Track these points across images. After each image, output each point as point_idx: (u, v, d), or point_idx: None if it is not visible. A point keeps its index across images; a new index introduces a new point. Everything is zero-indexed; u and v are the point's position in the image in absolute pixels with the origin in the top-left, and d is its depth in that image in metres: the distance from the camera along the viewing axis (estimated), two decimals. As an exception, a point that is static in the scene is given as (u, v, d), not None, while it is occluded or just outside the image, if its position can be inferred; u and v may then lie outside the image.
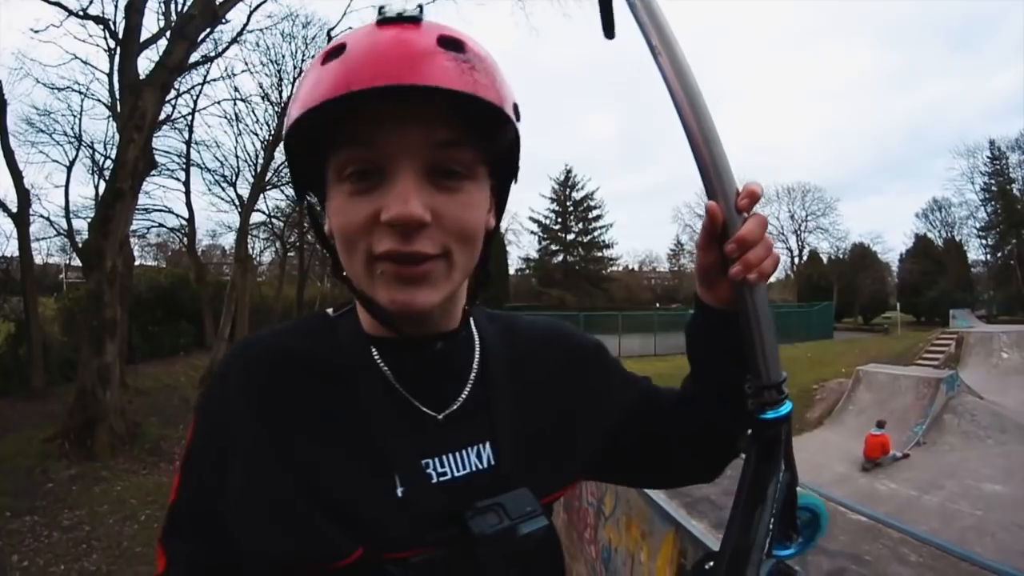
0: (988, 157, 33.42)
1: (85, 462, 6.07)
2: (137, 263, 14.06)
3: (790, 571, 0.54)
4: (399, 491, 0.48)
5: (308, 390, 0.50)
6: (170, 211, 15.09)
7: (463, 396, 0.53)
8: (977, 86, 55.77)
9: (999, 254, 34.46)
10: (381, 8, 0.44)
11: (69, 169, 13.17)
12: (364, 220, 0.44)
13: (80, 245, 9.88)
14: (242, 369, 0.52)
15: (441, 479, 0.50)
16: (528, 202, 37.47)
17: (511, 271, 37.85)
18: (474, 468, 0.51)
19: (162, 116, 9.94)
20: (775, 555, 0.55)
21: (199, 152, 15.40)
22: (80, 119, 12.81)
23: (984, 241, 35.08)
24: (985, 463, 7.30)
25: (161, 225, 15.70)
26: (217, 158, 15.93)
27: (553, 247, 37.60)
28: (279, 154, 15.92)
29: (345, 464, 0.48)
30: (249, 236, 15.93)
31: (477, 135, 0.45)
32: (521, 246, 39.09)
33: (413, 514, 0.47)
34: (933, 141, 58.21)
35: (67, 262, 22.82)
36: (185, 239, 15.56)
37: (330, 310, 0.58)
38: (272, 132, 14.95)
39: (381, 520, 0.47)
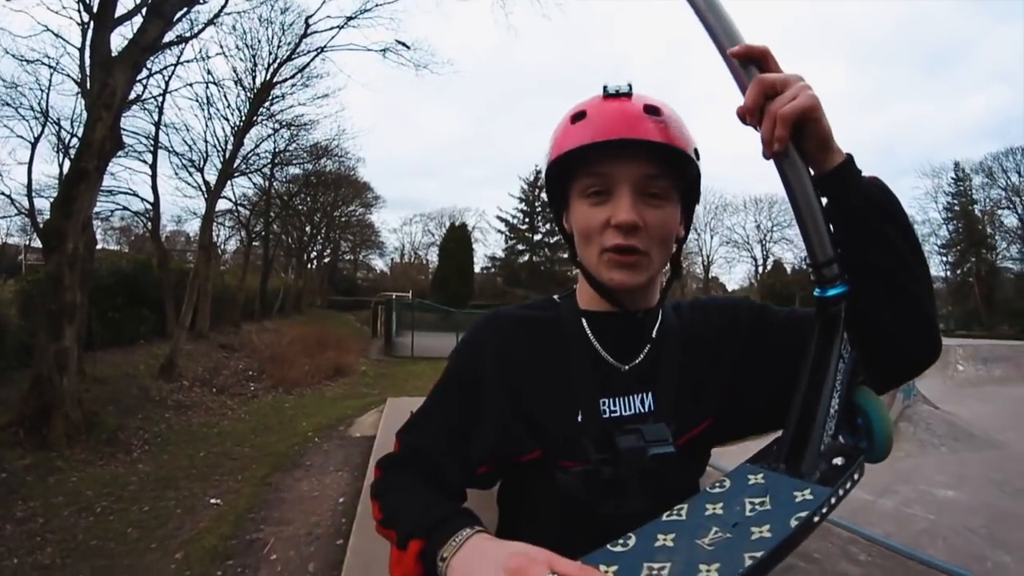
0: (952, 178, 35.11)
1: (40, 451, 5.83)
2: (99, 247, 13.46)
3: (853, 451, 0.58)
4: (579, 418, 0.69)
5: (531, 345, 0.74)
6: (135, 194, 14.43)
7: (642, 355, 0.73)
8: (947, 109, 58.59)
9: (958, 271, 36.12)
10: (605, 87, 0.68)
11: (34, 146, 12.58)
12: (599, 223, 0.68)
13: (41, 225, 9.44)
14: (492, 328, 0.77)
15: (612, 415, 0.70)
16: (497, 201, 37.45)
17: (476, 269, 37.99)
18: (637, 411, 0.70)
19: (132, 96, 9.59)
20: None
21: (168, 135, 14.85)
22: (48, 94, 12.23)
23: (945, 258, 36.71)
24: (939, 470, 7.56)
25: (125, 208, 15.01)
26: (186, 142, 15.30)
27: (520, 247, 37.85)
28: (249, 140, 15.60)
29: (545, 395, 0.71)
30: (214, 223, 15.52)
31: (671, 170, 0.67)
32: (488, 244, 39.09)
33: (583, 436, 0.67)
34: (900, 160, 60.60)
35: (27, 243, 21.89)
36: (149, 224, 14.95)
37: (556, 296, 0.81)
38: (243, 118, 14.52)
39: (560, 437, 0.69)
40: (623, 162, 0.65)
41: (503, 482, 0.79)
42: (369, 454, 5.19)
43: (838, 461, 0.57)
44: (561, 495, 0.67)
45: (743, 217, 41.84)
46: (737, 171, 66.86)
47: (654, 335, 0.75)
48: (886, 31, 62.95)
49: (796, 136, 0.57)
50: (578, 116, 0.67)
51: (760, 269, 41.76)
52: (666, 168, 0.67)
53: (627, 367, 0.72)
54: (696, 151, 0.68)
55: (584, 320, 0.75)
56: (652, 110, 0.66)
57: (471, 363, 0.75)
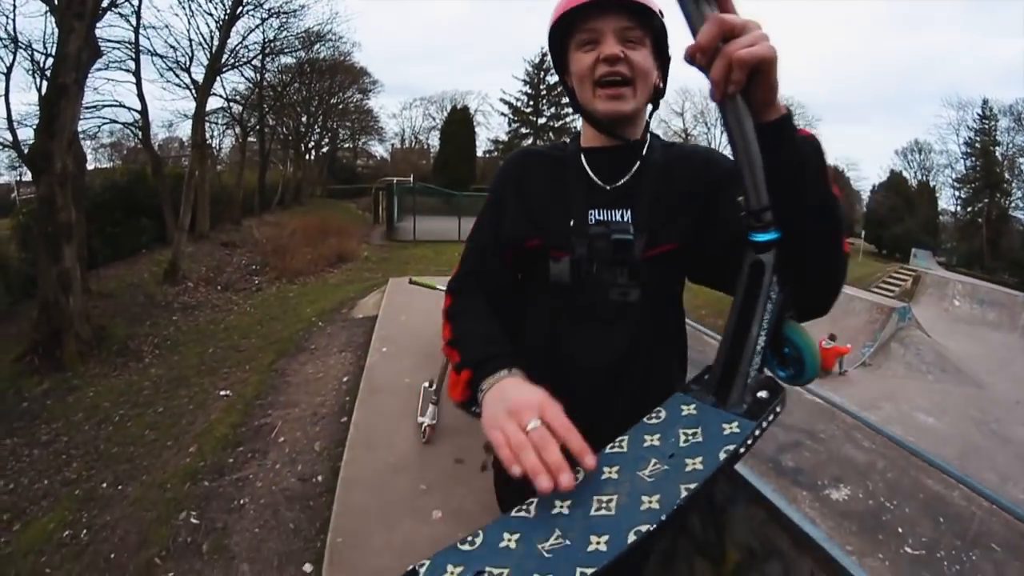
0: (979, 114, 33.27)
1: (56, 374, 6.01)
2: (91, 166, 13.18)
3: (776, 386, 0.62)
4: (571, 222, 0.88)
5: (542, 171, 0.95)
6: (121, 105, 13.63)
7: (624, 179, 0.90)
8: (984, 45, 54.60)
9: (969, 209, 35.26)
10: None
11: (7, 76, 11.86)
12: (591, 62, 0.84)
13: (27, 151, 9.18)
14: (517, 158, 1.00)
15: (597, 220, 0.87)
16: (500, 84, 35.66)
17: (479, 152, 37.03)
18: (617, 221, 0.87)
19: (105, 2, 8.98)
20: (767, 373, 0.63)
21: (148, 38, 13.94)
22: (14, 19, 11.39)
23: (957, 193, 35.65)
24: (922, 395, 7.80)
25: (113, 121, 14.23)
26: (168, 43, 14.55)
27: (523, 130, 36.45)
28: (235, 33, 14.62)
29: (546, 204, 0.91)
30: (207, 123, 14.76)
31: (643, 24, 0.84)
32: (491, 128, 37.57)
33: (573, 234, 0.87)
34: (927, 86, 57.31)
35: (18, 179, 21.39)
36: (140, 133, 14.43)
37: (566, 139, 0.99)
38: (227, 10, 13.61)
39: (556, 232, 0.88)
40: (606, 17, 0.83)
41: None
42: (371, 333, 5.14)
43: (763, 395, 0.61)
44: (553, 279, 0.88)
45: None
46: None
47: (637, 165, 0.90)
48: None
49: (746, 83, 0.56)
50: None
51: None
52: (639, 21, 0.83)
53: (610, 187, 0.90)
54: (660, 11, 0.85)
55: (582, 153, 0.94)
56: None
57: (500, 183, 0.98)
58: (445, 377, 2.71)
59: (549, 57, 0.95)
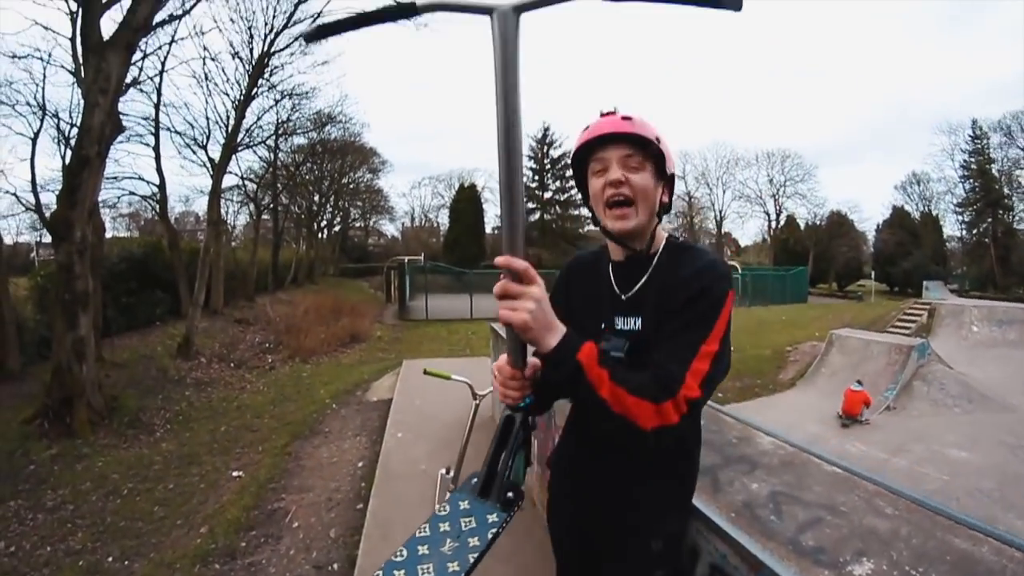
0: (970, 136, 33.87)
1: (65, 440, 5.97)
2: (109, 235, 13.56)
3: (519, 490, 0.95)
4: (602, 325, 1.09)
5: (584, 276, 1.19)
6: (140, 178, 14.20)
7: (635, 289, 1.08)
8: (966, 67, 56.13)
9: (974, 231, 35.22)
10: (601, 110, 1.08)
11: (34, 141, 12.37)
12: (602, 186, 1.05)
13: (49, 217, 9.47)
14: (568, 264, 1.26)
15: (620, 327, 1.07)
16: None
17: (488, 229, 37.74)
18: (632, 327, 1.05)
19: (128, 79, 9.42)
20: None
21: (168, 115, 14.73)
22: (43, 87, 11.90)
23: (960, 217, 35.83)
24: (951, 430, 7.52)
25: (132, 193, 14.76)
26: (187, 120, 15.35)
27: (530, 205, 37.37)
28: (251, 113, 15.30)
29: (585, 308, 1.13)
30: (222, 199, 15.33)
31: (642, 152, 1.04)
32: (498, 204, 38.32)
33: (606, 333, 1.07)
34: (916, 117, 58.78)
35: (38, 240, 22.02)
36: (157, 206, 14.91)
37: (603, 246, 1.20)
38: (243, 91, 14.26)
39: (592, 330, 1.04)
40: (611, 148, 1.04)
41: None
42: (386, 417, 5.19)
43: (511, 495, 0.93)
44: None
45: (755, 171, 41.12)
46: (748, 124, 65.31)
47: (646, 276, 1.07)
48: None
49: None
50: (586, 128, 1.08)
51: (773, 224, 40.90)
52: (638, 150, 1.03)
53: (625, 297, 1.09)
54: (658, 138, 1.04)
55: (610, 265, 1.15)
56: (626, 118, 1.04)
57: (555, 287, 1.22)
58: (462, 464, 2.65)
59: (568, 161, 1.21)
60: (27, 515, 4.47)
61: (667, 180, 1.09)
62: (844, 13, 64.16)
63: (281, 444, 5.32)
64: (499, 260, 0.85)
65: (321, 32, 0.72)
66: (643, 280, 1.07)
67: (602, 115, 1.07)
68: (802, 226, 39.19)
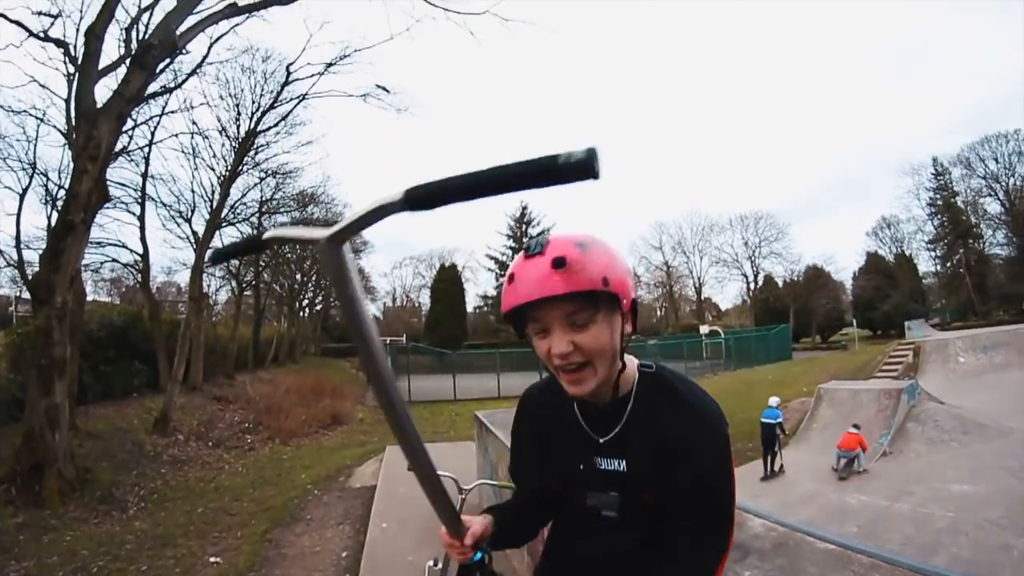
0: (932, 173, 35.66)
1: (33, 509, 5.66)
2: (90, 299, 13.28)
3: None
4: (581, 467, 0.99)
5: (547, 411, 1.07)
6: (124, 246, 14.25)
7: (614, 432, 0.96)
8: (918, 107, 59.86)
9: (948, 264, 36.42)
10: (527, 248, 0.85)
11: (21, 197, 12.39)
12: (546, 351, 0.88)
13: (30, 277, 9.33)
14: (524, 398, 1.15)
15: (601, 468, 0.97)
16: (485, 240, 37.21)
17: (469, 308, 37.93)
18: (616, 468, 0.96)
19: (118, 147, 9.61)
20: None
21: (155, 186, 14.79)
22: (35, 145, 12.16)
23: (933, 253, 37.12)
24: (952, 465, 7.47)
25: (115, 260, 14.79)
26: (173, 192, 15.38)
27: None
28: (235, 190, 15.60)
29: (560, 452, 1.03)
30: (204, 274, 15.36)
31: (588, 302, 0.83)
32: (479, 283, 39.00)
33: (587, 480, 0.98)
34: (880, 162, 61.67)
35: (17, 295, 21.57)
36: (139, 275, 14.83)
37: None
38: (229, 167, 14.60)
39: (570, 476, 1.01)
40: (548, 309, 0.84)
41: None
42: (370, 505, 5.07)
43: None
44: (570, 511, 1.06)
45: (730, 236, 42.41)
46: (720, 190, 68.07)
47: (624, 419, 0.96)
48: (855, 33, 64.75)
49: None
50: (511, 278, 0.86)
51: (752, 285, 41.90)
52: (583, 303, 0.83)
53: (603, 440, 0.97)
54: (605, 279, 0.82)
55: (576, 406, 1.02)
56: (559, 263, 0.80)
57: (518, 425, 1.16)
58: (451, 558, 2.53)
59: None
60: (-12, 585, 4.18)
61: (627, 313, 0.90)
62: (801, 68, 68.56)
63: (261, 530, 5.13)
64: (444, 543, 1.00)
65: (219, 257, 0.77)
66: (621, 424, 0.95)
67: (526, 256, 0.84)
68: (780, 284, 40.34)
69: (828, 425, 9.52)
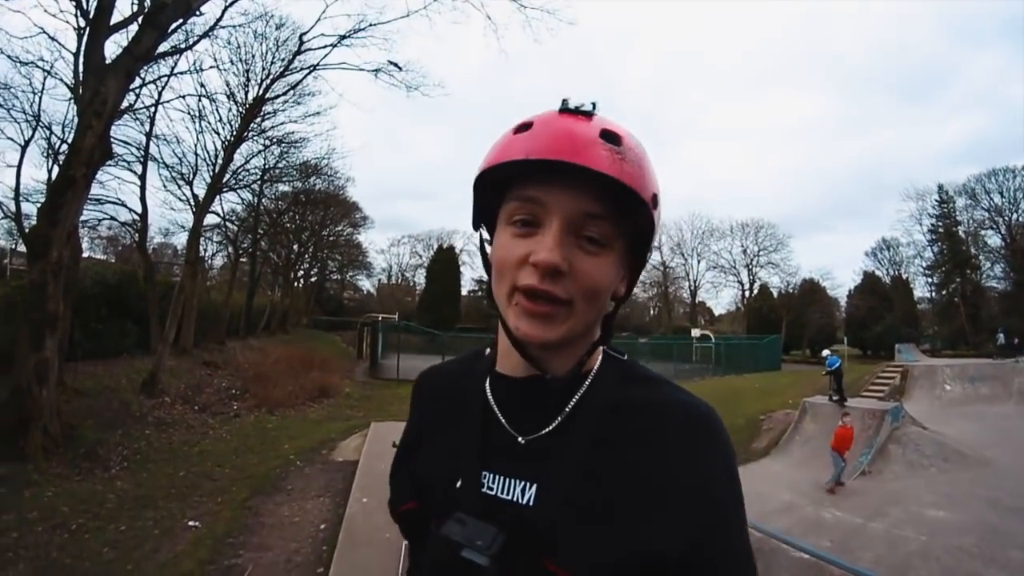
0: (936, 200, 35.65)
1: (15, 463, 5.68)
2: (85, 255, 13.28)
3: None
4: (458, 483, 0.60)
5: (440, 401, 0.71)
6: (123, 204, 14.27)
7: (548, 429, 0.59)
8: (927, 133, 60.01)
9: (943, 292, 36.55)
10: (565, 101, 0.58)
11: (23, 149, 12.38)
12: (517, 258, 0.55)
13: (27, 231, 9.28)
14: (416, 387, 0.77)
15: (488, 491, 0.59)
16: None
17: (463, 292, 37.88)
18: (514, 499, 0.57)
19: (124, 104, 9.51)
20: None
21: (158, 146, 14.71)
22: (40, 98, 12.05)
23: (930, 279, 37.21)
24: (929, 490, 7.56)
25: (113, 218, 14.84)
26: (176, 154, 15.25)
27: None
28: (239, 155, 15.56)
29: (435, 454, 0.66)
30: (202, 238, 15.46)
31: (619, 213, 0.55)
32: (475, 268, 38.88)
33: (458, 501, 0.58)
34: (883, 184, 61.85)
35: (13, 247, 21.46)
36: (137, 235, 14.80)
37: (488, 349, 0.71)
38: (234, 133, 14.51)
39: (438, 496, 0.62)
40: (561, 190, 0.54)
41: None
42: (352, 479, 5.12)
43: None
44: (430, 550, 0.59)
45: (729, 242, 42.33)
46: (722, 196, 68.18)
47: (570, 408, 0.59)
48: (866, 59, 64.79)
49: None
50: (524, 127, 0.56)
51: (747, 293, 41.92)
52: (613, 209, 0.54)
53: (523, 440, 0.59)
54: (655, 196, 0.56)
55: (488, 381, 0.65)
56: (610, 136, 0.54)
57: (409, 423, 0.76)
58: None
59: (473, 198, 0.64)
60: (-34, 536, 4.18)
61: (634, 266, 0.62)
62: (808, 85, 68.60)
63: (241, 497, 5.17)
64: None
65: None
66: (558, 420, 0.59)
67: (563, 111, 0.57)
68: (775, 294, 40.30)
69: (810, 439, 9.58)
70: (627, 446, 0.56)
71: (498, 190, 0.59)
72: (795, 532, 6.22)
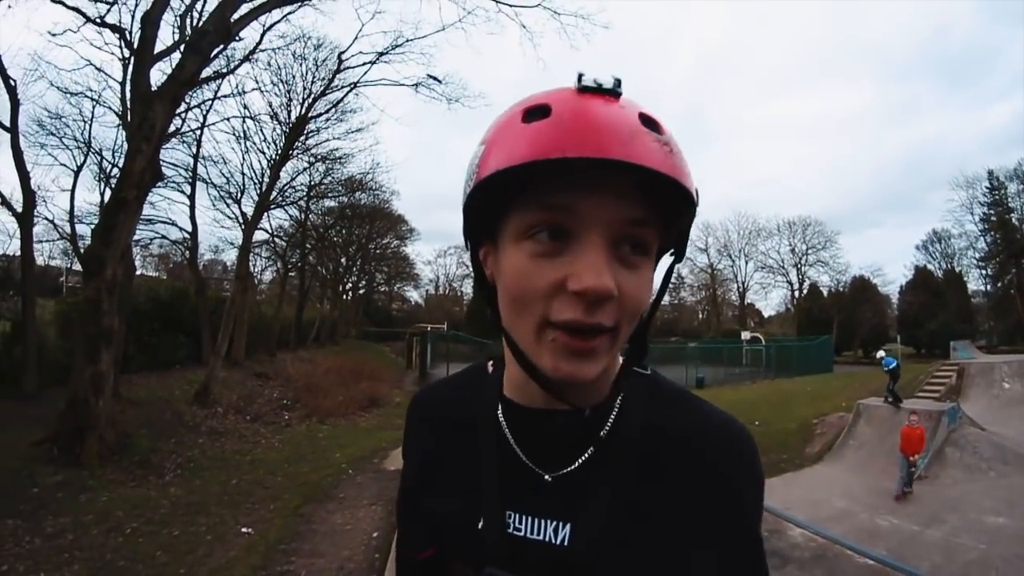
0: (987, 187, 33.64)
1: (72, 469, 5.95)
2: (138, 273, 13.98)
3: None
4: (480, 524, 0.54)
5: (443, 431, 0.62)
6: (174, 223, 15.03)
7: (574, 466, 0.53)
8: (975, 118, 57.05)
9: (999, 284, 34.47)
10: (581, 75, 0.45)
11: (76, 174, 13.22)
12: (547, 285, 0.44)
13: (82, 251, 9.86)
14: (412, 410, 0.69)
15: (516, 532, 0.53)
16: None
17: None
18: (547, 539, 0.52)
19: (171, 129, 10.03)
20: None
21: (206, 167, 15.45)
22: (91, 125, 12.88)
23: (984, 271, 35.21)
24: (988, 495, 7.18)
25: (164, 237, 15.65)
26: (223, 174, 15.94)
27: None
28: (285, 173, 15.98)
29: (446, 490, 0.59)
30: (251, 254, 15.92)
31: (661, 216, 0.47)
32: None
33: (482, 544, 0.53)
34: (931, 174, 59.22)
35: (68, 266, 22.87)
36: (187, 252, 15.54)
37: (491, 364, 0.63)
38: (279, 151, 14.97)
39: (457, 540, 0.56)
40: (597, 194, 0.43)
41: None
42: None
43: None
44: None
45: (777, 241, 40.94)
46: (768, 195, 66.26)
47: (601, 441, 0.53)
48: (905, 46, 62.13)
49: None
50: (537, 111, 0.44)
51: (796, 293, 40.53)
52: (654, 212, 0.46)
53: (550, 477, 0.53)
54: (697, 190, 0.47)
55: (501, 411, 0.57)
56: (650, 123, 0.44)
57: (406, 450, 0.68)
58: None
59: (463, 205, 0.52)
60: (24, 537, 4.40)
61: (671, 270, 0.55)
62: (851, 75, 66.03)
63: (293, 505, 5.25)
64: None
65: None
66: (587, 454, 0.53)
67: (582, 89, 0.44)
68: (825, 294, 38.88)
69: (865, 443, 9.18)
70: (667, 477, 0.52)
71: (500, 195, 0.46)
72: (850, 540, 5.98)
